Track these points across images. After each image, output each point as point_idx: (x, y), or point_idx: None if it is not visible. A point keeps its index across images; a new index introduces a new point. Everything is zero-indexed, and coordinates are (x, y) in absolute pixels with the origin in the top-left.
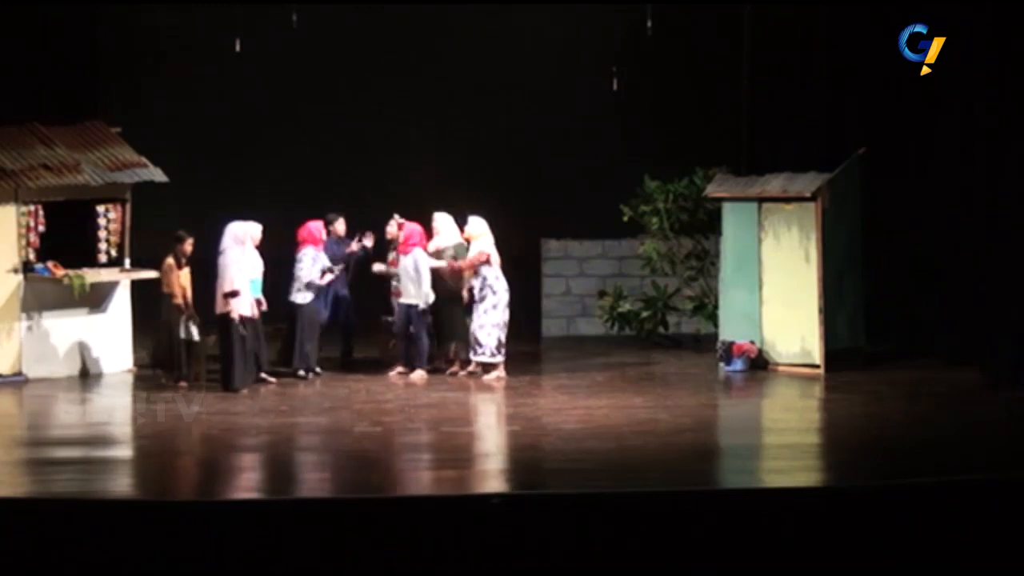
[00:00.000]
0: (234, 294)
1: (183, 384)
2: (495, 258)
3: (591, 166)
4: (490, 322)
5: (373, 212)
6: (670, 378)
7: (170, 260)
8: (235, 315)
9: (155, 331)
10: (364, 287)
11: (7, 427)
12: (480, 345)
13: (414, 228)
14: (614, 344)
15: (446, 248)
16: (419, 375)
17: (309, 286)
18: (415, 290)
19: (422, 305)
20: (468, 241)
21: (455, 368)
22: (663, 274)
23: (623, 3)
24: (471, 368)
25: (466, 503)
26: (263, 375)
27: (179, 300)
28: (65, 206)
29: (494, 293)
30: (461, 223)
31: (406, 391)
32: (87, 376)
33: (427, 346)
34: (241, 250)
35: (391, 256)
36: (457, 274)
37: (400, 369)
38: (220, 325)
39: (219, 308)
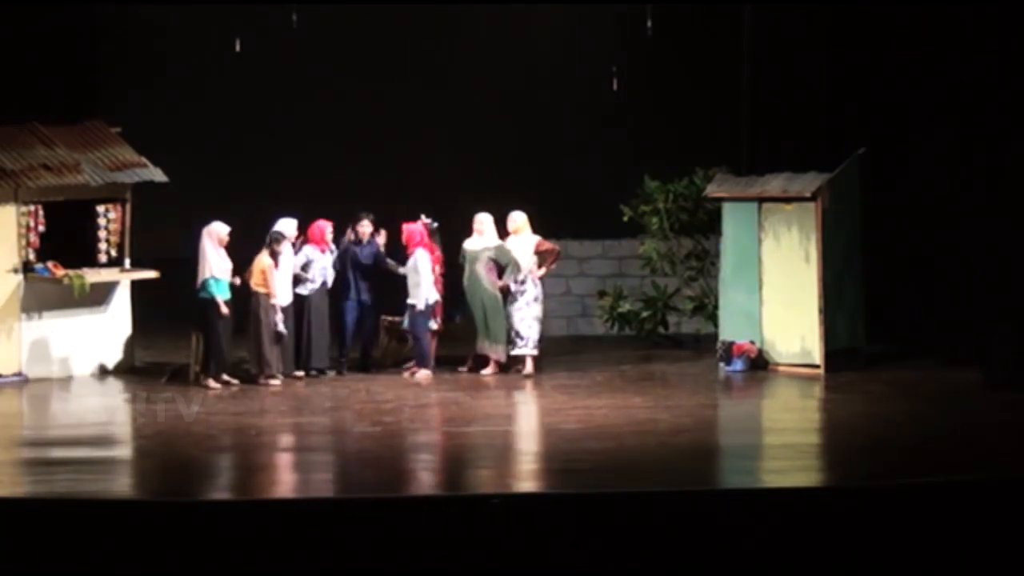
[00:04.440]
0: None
1: (275, 380)
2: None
3: (591, 166)
4: (531, 315)
5: (370, 212)
6: (670, 378)
7: (269, 260)
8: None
9: (250, 330)
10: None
11: (7, 427)
12: (521, 338)
13: (415, 229)
14: (614, 344)
15: (484, 250)
16: (424, 375)
17: (297, 280)
18: (416, 291)
19: (420, 306)
20: (513, 235)
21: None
22: (663, 274)
23: (623, 3)
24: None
25: (466, 503)
26: (225, 376)
27: (276, 300)
28: (65, 206)
29: (535, 286)
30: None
31: (406, 391)
32: (87, 376)
33: (428, 346)
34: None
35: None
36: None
37: (413, 369)
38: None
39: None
